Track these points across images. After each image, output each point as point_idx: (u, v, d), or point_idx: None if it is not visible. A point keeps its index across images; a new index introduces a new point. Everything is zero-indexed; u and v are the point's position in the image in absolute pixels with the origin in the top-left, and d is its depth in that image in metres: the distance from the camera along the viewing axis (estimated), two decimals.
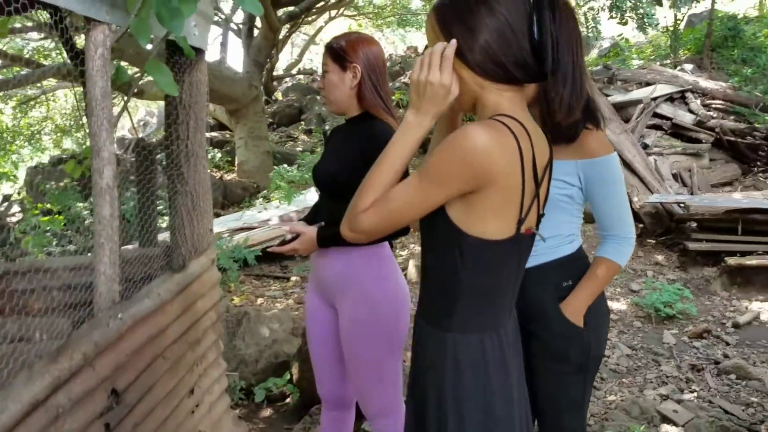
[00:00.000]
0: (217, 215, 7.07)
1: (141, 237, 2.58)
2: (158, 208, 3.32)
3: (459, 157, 1.11)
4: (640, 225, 6.31)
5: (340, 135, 2.08)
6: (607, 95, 9.22)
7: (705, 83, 9.36)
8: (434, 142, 1.40)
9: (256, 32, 10.42)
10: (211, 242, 2.62)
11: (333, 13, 16.97)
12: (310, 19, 15.52)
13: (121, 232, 1.86)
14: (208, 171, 2.62)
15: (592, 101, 1.81)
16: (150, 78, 1.86)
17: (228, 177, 9.78)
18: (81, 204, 7.15)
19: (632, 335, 4.21)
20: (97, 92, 1.70)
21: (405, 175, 1.45)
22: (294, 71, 19.55)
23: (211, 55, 15.35)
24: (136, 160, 2.33)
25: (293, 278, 5.26)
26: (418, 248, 5.80)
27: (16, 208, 8.87)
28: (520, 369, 1.35)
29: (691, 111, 8.96)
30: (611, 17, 7.86)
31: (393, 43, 24.22)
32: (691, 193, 7.56)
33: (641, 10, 7.54)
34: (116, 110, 1.84)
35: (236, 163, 9.67)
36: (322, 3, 11.41)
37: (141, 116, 19.35)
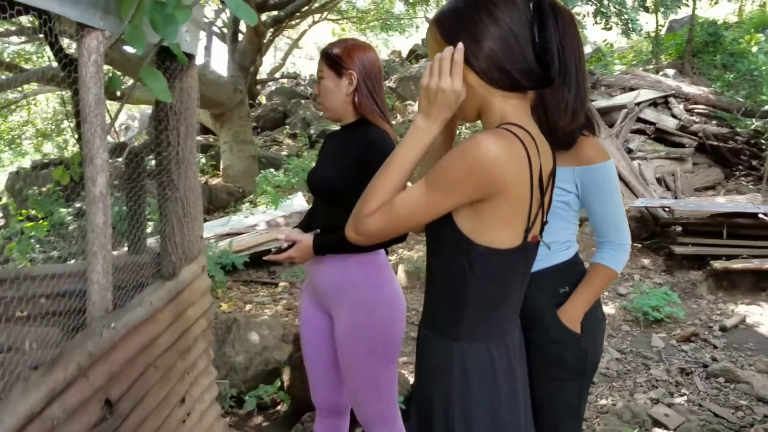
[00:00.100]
0: (203, 220, 7.00)
1: (130, 244, 2.55)
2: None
3: (470, 165, 1.11)
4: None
5: (336, 141, 2.07)
6: (592, 100, 9.30)
7: (687, 88, 9.47)
8: (432, 149, 1.40)
9: (240, 36, 10.37)
10: (201, 249, 2.60)
11: (316, 17, 16.94)
12: (293, 23, 15.49)
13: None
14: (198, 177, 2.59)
15: (588, 108, 1.82)
16: (131, 82, 1.84)
17: (213, 182, 9.71)
18: (64, 209, 7.05)
19: (621, 339, 4.23)
20: (91, 99, 1.68)
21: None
22: (278, 75, 19.48)
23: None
24: (128, 166, 2.29)
25: (281, 284, 5.22)
26: (407, 253, 5.80)
27: None
28: (525, 375, 1.35)
29: (674, 116, 9.06)
30: (596, 23, 7.93)
31: (376, 47, 24.20)
32: (675, 197, 7.64)
33: (625, 16, 7.61)
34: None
35: (221, 167, 9.61)
36: (306, 8, 11.37)
37: (122, 120, 19.18)
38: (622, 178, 7.13)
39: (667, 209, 6.27)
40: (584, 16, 8.53)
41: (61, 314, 1.84)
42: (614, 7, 7.38)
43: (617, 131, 8.55)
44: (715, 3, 12.79)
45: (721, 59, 10.69)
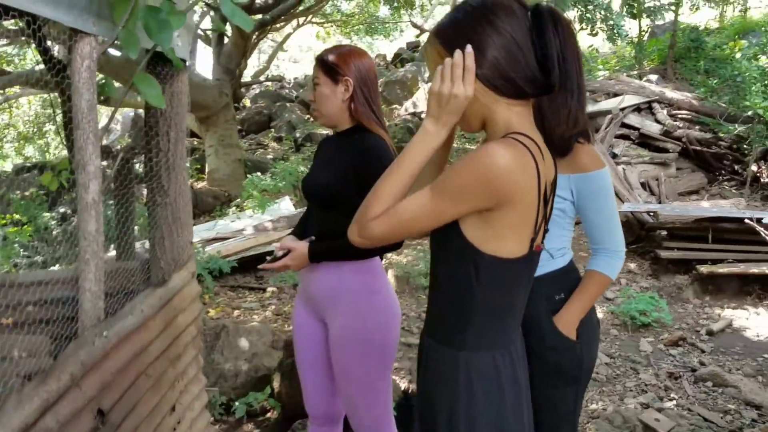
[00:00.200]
0: None
1: (119, 250, 2.52)
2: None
3: (481, 174, 1.11)
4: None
5: (331, 147, 2.06)
6: None
7: (671, 94, 9.57)
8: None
9: (225, 39, 10.33)
10: (191, 255, 2.58)
11: (301, 20, 16.92)
12: (278, 26, 15.45)
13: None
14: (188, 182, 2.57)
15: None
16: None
17: (198, 185, 9.64)
18: (48, 214, 6.96)
19: (609, 343, 4.25)
20: (83, 105, 1.65)
21: None
22: (262, 78, 19.42)
23: None
24: (119, 172, 2.26)
25: (270, 289, 5.19)
26: (396, 258, 5.79)
27: None
28: (527, 383, 1.36)
29: (657, 121, 9.16)
30: (582, 29, 8.00)
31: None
32: (660, 202, 7.71)
33: (611, 22, 7.68)
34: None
35: (206, 171, 9.54)
36: (291, 11, 11.34)
37: (104, 123, 19.01)
38: None
39: (652, 214, 6.33)
40: (570, 21, 8.61)
41: (49, 322, 1.81)
42: (600, 13, 7.44)
43: (602, 136, 8.62)
44: (697, 9, 12.96)
45: (704, 65, 10.81)
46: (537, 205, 1.18)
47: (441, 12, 23.01)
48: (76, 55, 1.63)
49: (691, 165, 8.88)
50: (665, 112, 9.31)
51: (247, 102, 16.94)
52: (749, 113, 8.05)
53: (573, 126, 1.69)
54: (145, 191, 2.37)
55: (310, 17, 16.85)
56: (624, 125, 9.08)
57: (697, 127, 9.07)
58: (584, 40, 15.24)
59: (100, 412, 1.70)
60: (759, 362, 3.94)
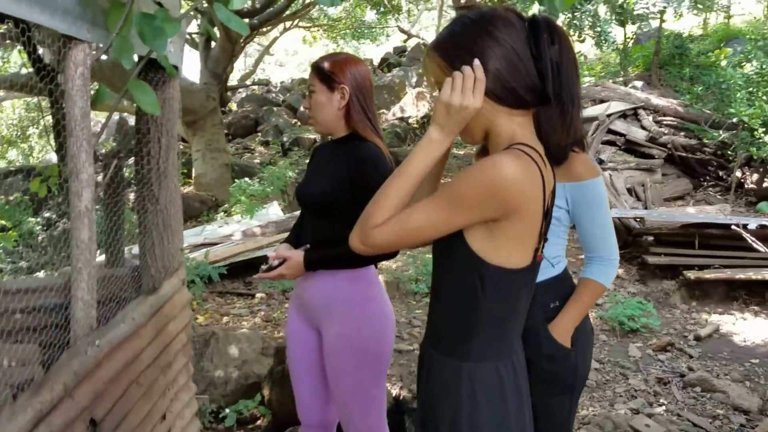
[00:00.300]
0: None
1: (108, 256, 2.50)
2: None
3: (489, 185, 1.11)
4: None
5: (326, 154, 2.05)
6: None
7: (656, 100, 9.66)
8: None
9: (213, 44, 10.29)
10: (181, 262, 2.56)
11: (288, 24, 16.90)
12: (264, 30, 15.41)
13: None
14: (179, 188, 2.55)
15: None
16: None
17: (184, 190, 9.58)
18: (33, 219, 6.87)
19: (599, 349, 4.27)
20: (77, 112, 1.64)
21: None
22: (248, 81, 19.36)
23: None
24: (112, 179, 2.24)
25: (258, 295, 5.16)
26: (386, 264, 5.77)
27: None
28: (528, 392, 1.36)
29: (643, 127, 9.24)
30: (570, 35, 8.07)
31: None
32: (646, 207, 7.77)
33: (599, 28, 7.75)
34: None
35: (193, 176, 9.48)
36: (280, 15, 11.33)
37: (95, 129, 18.83)
38: None
39: (639, 219, 6.37)
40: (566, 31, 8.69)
41: (38, 330, 1.79)
42: (587, 20, 7.51)
43: (589, 142, 8.68)
44: (680, 16, 13.09)
45: (690, 72, 10.93)
46: (542, 215, 1.19)
47: (427, 17, 23.11)
48: (70, 62, 1.62)
49: (677, 171, 8.96)
50: (651, 118, 9.39)
51: (233, 106, 16.89)
52: (734, 120, 8.15)
53: (570, 135, 1.69)
54: (131, 196, 2.36)
55: (296, 21, 16.84)
56: (610, 131, 9.15)
57: (682, 134, 9.17)
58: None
59: (93, 422, 1.69)
60: (746, 367, 3.98)
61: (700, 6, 12.47)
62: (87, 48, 1.64)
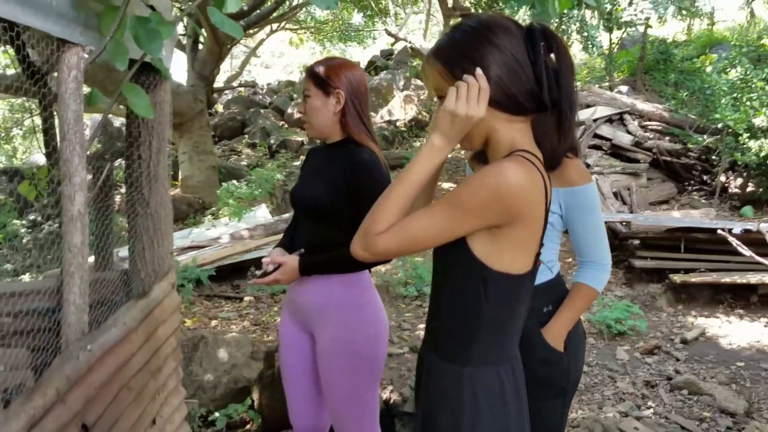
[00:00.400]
0: None
1: (97, 259, 2.49)
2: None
3: (494, 191, 1.12)
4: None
5: (320, 158, 2.05)
6: None
7: (642, 105, 9.75)
8: None
9: (200, 45, 10.24)
10: (171, 265, 2.55)
11: (274, 26, 16.87)
12: (251, 31, 15.37)
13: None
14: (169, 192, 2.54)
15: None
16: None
17: (171, 192, 9.50)
18: (18, 221, 6.79)
19: (587, 352, 4.28)
20: (70, 116, 1.63)
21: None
22: (235, 83, 19.28)
23: None
24: (105, 183, 2.23)
25: (247, 298, 5.13)
26: (374, 267, 5.78)
27: None
28: (526, 395, 1.37)
29: (629, 132, 9.32)
30: None
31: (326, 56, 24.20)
32: (631, 211, 7.84)
33: (586, 33, 7.81)
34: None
35: (180, 178, 9.42)
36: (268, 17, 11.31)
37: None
38: None
39: (625, 223, 6.42)
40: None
41: (27, 334, 1.78)
42: (575, 24, 7.57)
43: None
44: (664, 22, 13.22)
45: (675, 78, 11.05)
46: (544, 220, 1.21)
47: (414, 21, 23.15)
48: (63, 66, 1.61)
49: (662, 175, 9.06)
50: (636, 123, 9.48)
51: (219, 107, 16.80)
52: (719, 125, 8.24)
53: (567, 142, 1.71)
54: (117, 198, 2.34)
55: (283, 23, 16.81)
56: (596, 136, 9.23)
57: (666, 138, 9.26)
58: None
59: (84, 427, 1.68)
60: (732, 370, 4.02)
61: (684, 12, 12.60)
62: (80, 51, 1.63)
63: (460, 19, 1.48)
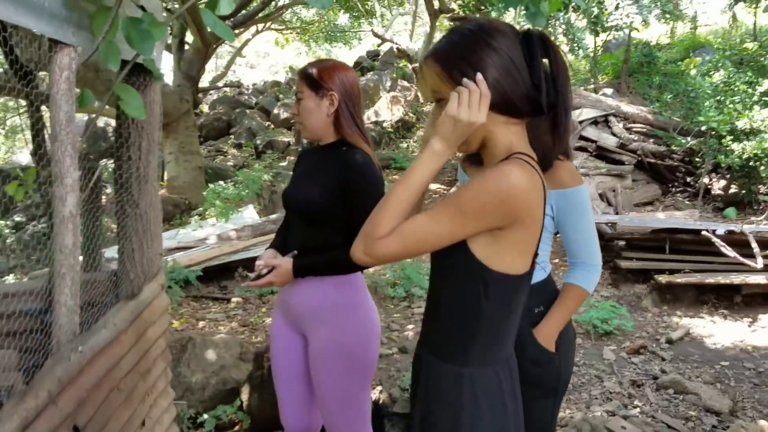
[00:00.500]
0: None
1: (88, 260, 2.47)
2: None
3: (500, 195, 1.14)
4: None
5: (313, 159, 2.05)
6: None
7: (626, 108, 9.85)
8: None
9: (186, 46, 10.20)
10: (161, 267, 2.55)
11: (260, 26, 16.82)
12: (237, 32, 15.31)
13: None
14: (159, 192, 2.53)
15: None
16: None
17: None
18: (1, 222, 6.71)
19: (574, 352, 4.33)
20: (62, 117, 1.62)
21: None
22: (220, 83, 19.20)
23: None
24: (96, 184, 2.21)
25: (234, 299, 5.12)
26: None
27: None
28: (520, 394, 1.39)
29: (614, 134, 9.41)
30: None
31: (319, 57, 24.21)
32: (616, 212, 7.91)
33: (572, 35, 7.87)
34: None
35: (166, 178, 9.37)
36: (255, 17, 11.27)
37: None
38: None
39: (610, 225, 6.48)
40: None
41: (15, 335, 1.77)
42: (561, 27, 7.63)
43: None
44: (648, 25, 13.35)
45: (659, 81, 11.16)
46: (542, 221, 1.22)
47: (401, 22, 23.18)
48: (55, 66, 1.60)
49: (646, 177, 9.15)
50: (621, 125, 9.57)
51: (204, 108, 16.72)
52: (702, 128, 8.34)
53: (562, 145, 1.72)
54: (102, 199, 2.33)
55: (269, 24, 16.76)
56: (582, 138, 9.30)
57: (651, 140, 9.36)
58: None
59: (76, 429, 1.68)
60: (717, 369, 4.07)
61: (668, 15, 12.73)
62: (72, 52, 1.62)
63: (455, 22, 1.50)
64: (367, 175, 1.86)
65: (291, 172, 2.20)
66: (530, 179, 1.16)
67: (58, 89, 1.60)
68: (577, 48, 8.16)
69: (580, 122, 9.34)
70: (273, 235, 6.07)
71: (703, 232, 5.38)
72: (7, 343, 1.79)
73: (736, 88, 8.15)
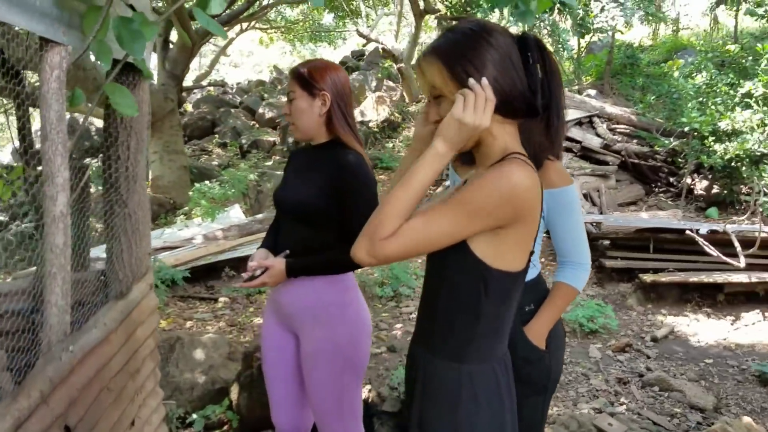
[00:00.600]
0: None
1: (74, 260, 2.46)
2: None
3: (505, 194, 1.16)
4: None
5: (304, 159, 2.05)
6: None
7: (610, 109, 9.94)
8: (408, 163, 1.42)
9: (171, 45, 10.13)
10: (149, 266, 2.54)
11: (244, 25, 16.75)
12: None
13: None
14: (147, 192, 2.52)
15: None
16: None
17: None
18: None
19: None
20: (52, 116, 1.61)
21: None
22: (204, 82, 19.08)
23: None
24: (86, 184, 2.20)
25: (222, 299, 5.10)
26: None
27: None
28: (515, 390, 1.41)
29: (598, 135, 9.49)
30: None
31: (304, 57, 24.21)
32: (601, 212, 7.99)
33: (557, 37, 7.94)
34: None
35: (150, 178, 9.30)
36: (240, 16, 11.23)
37: (38, 126, 18.29)
38: None
39: (595, 224, 6.54)
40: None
41: (5, 335, 1.76)
42: (546, 29, 7.68)
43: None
44: (631, 27, 13.49)
45: (642, 82, 11.27)
46: (540, 219, 1.25)
47: (386, 22, 23.20)
48: (45, 65, 1.59)
49: (630, 177, 9.24)
50: (605, 126, 9.66)
51: (188, 107, 16.61)
52: (685, 128, 8.44)
53: (555, 147, 1.75)
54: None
55: (253, 23, 16.70)
56: (567, 138, 9.37)
57: (634, 141, 9.46)
58: None
59: (67, 428, 1.67)
60: (701, 367, 4.13)
61: (651, 17, 12.86)
62: (63, 51, 1.61)
63: (450, 22, 1.51)
64: (360, 176, 1.86)
65: (277, 172, 2.20)
66: (532, 178, 1.19)
67: (49, 88, 1.59)
68: (561, 50, 8.23)
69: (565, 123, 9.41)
70: (260, 235, 6.01)
71: (687, 232, 5.44)
72: None
73: (718, 90, 8.25)
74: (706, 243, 5.36)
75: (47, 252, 1.68)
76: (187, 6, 8.44)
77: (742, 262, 5.23)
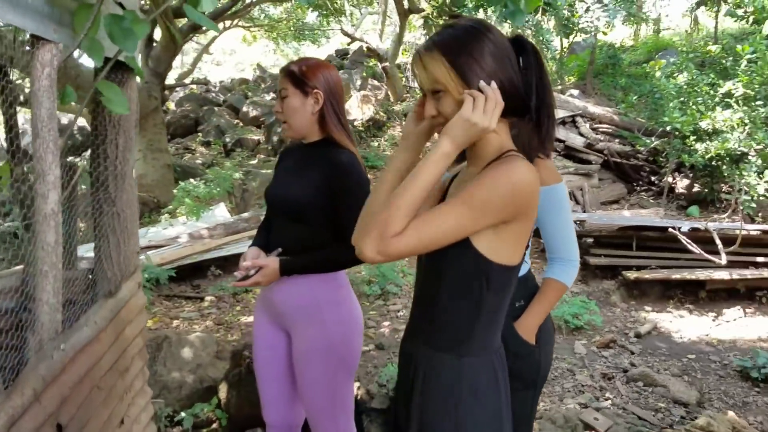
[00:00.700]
0: None
1: (64, 258, 2.44)
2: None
3: (513, 191, 1.19)
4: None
5: (296, 157, 2.05)
6: None
7: (593, 108, 10.04)
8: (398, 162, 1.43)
9: (154, 42, 10.06)
10: (138, 265, 2.53)
11: (227, 23, 16.66)
12: (204, 28, 15.14)
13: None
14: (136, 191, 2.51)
15: None
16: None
17: None
18: None
19: None
20: (43, 113, 1.61)
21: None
22: (187, 80, 18.94)
23: None
24: (77, 183, 2.19)
25: (208, 298, 5.08)
26: None
27: None
28: (508, 381, 1.43)
29: (581, 134, 9.59)
30: None
31: (287, 55, 24.13)
32: (584, 211, 8.07)
33: (541, 37, 8.00)
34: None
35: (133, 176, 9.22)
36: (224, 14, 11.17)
37: (19, 123, 18.04)
38: None
39: (579, 222, 6.60)
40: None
41: None
42: (530, 29, 7.74)
43: None
44: (612, 27, 13.63)
45: (624, 82, 11.38)
46: (536, 215, 1.28)
47: (370, 21, 23.19)
48: (36, 63, 1.58)
49: (612, 176, 9.35)
50: (588, 125, 9.76)
51: (171, 105, 16.49)
52: (667, 128, 8.54)
53: (545, 147, 1.77)
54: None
55: (237, 21, 16.61)
56: None
57: (617, 141, 9.57)
58: None
59: (59, 426, 1.67)
60: (684, 362, 4.20)
61: (632, 18, 12.99)
62: (54, 48, 1.61)
63: (448, 19, 1.53)
64: (354, 175, 1.87)
65: (262, 171, 2.20)
66: (534, 175, 1.22)
67: (40, 86, 1.59)
68: (545, 50, 8.30)
69: None
70: (246, 233, 5.96)
71: (670, 230, 5.52)
72: None
73: (699, 90, 8.36)
74: (689, 240, 5.44)
75: (38, 250, 1.67)
76: (172, 4, 8.39)
77: (724, 259, 5.32)
